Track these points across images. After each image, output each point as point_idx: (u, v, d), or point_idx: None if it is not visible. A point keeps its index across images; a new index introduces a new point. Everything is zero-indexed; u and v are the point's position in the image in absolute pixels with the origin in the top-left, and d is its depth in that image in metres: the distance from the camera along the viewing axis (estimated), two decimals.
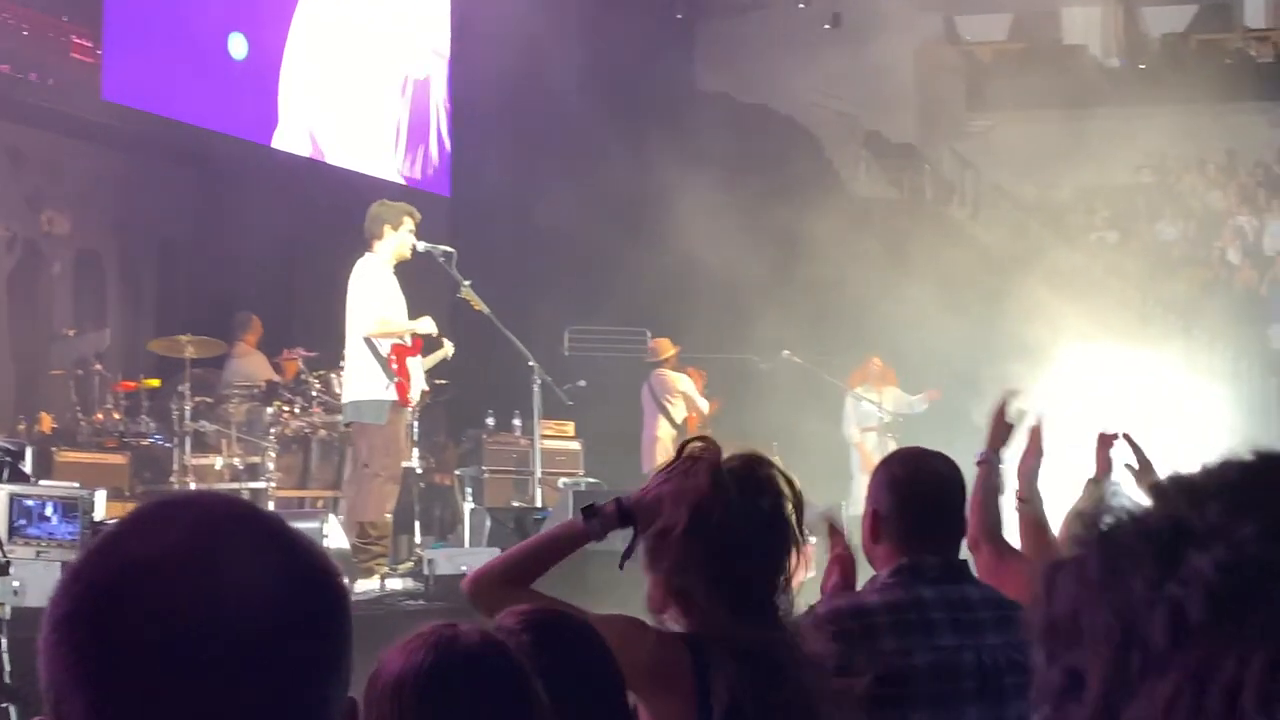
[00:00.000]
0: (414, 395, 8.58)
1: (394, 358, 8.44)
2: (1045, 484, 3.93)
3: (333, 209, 11.60)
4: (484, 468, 11.46)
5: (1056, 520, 3.92)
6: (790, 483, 2.69)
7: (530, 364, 9.44)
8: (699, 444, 2.69)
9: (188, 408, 9.83)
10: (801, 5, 19.55)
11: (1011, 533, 3.72)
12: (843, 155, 20.12)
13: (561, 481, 10.74)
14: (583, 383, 11.05)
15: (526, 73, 14.04)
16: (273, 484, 9.88)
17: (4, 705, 5.31)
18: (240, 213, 12.01)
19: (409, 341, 8.60)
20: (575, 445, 11.85)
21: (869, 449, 12.58)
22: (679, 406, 12.32)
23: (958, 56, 22.17)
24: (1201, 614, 0.76)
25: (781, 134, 18.89)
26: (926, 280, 13.71)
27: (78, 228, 12.42)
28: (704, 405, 12.39)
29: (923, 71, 21.42)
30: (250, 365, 11.21)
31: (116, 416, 10.19)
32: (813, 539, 2.84)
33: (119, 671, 1.07)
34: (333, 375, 10.02)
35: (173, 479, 9.77)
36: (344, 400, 8.99)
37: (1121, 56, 22.55)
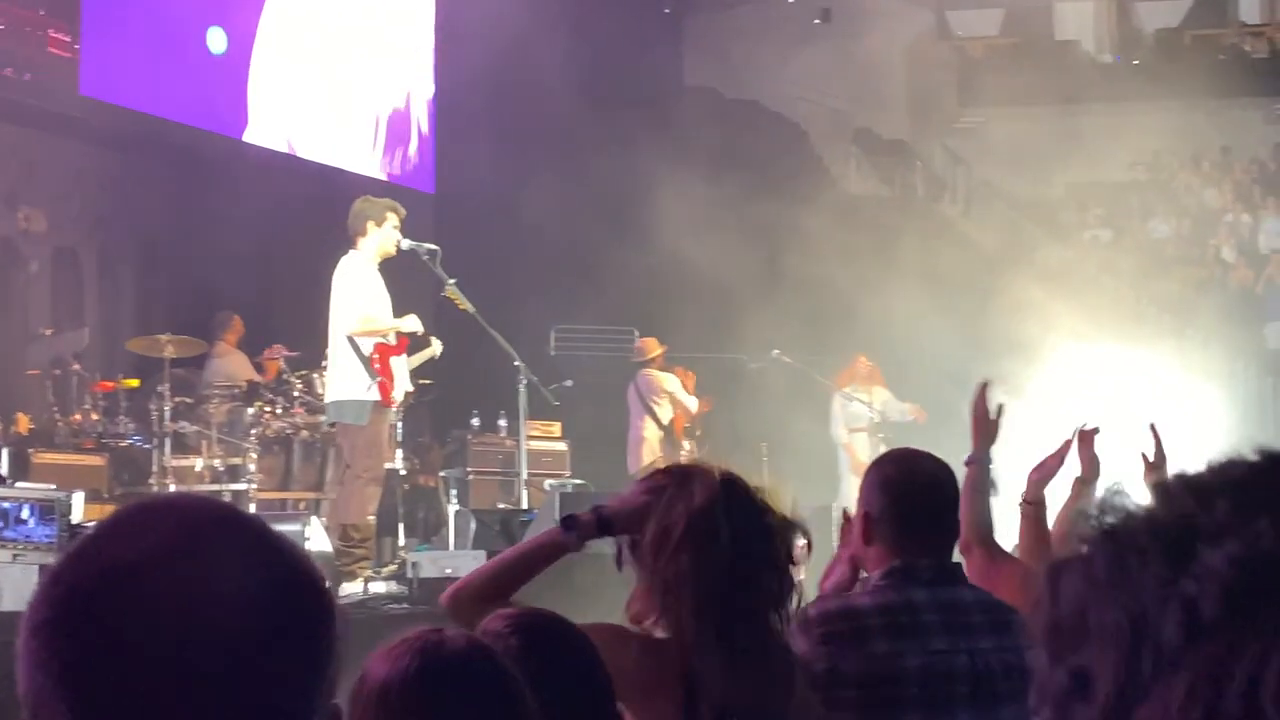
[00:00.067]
0: (397, 395, 8.55)
1: (377, 357, 8.41)
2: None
3: (315, 206, 11.58)
4: (469, 469, 11.45)
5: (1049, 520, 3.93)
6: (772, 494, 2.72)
7: (516, 364, 9.43)
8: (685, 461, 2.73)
9: (167, 408, 9.79)
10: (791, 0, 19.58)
11: (1004, 534, 3.72)
12: (832, 152, 20.15)
13: (548, 483, 10.73)
14: (569, 383, 11.05)
15: (512, 68, 14.03)
16: (254, 486, 9.85)
17: None
18: (221, 210, 11.98)
19: (393, 340, 8.57)
20: (562, 446, 11.85)
21: (858, 450, 12.58)
22: (665, 407, 12.33)
23: (949, 52, 22.22)
24: (1216, 610, 0.76)
25: (771, 130, 18.91)
26: (918, 278, 13.72)
27: (55, 225, 12.37)
28: (691, 404, 12.39)
29: (914, 67, 21.46)
30: (231, 365, 11.19)
31: (95, 417, 10.16)
32: (801, 541, 2.84)
33: (100, 677, 1.06)
34: (315, 375, 10.00)
35: (152, 481, 9.74)
36: (326, 400, 8.97)
37: (1115, 52, 22.62)
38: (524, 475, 9.90)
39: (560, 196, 13.67)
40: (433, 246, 8.90)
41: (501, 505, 10.73)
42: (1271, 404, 15.75)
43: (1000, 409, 3.74)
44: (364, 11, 14.70)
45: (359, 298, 8.43)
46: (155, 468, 9.79)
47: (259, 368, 11.22)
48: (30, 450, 9.55)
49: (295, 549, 1.18)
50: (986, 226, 18.64)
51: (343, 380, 8.49)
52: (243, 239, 11.84)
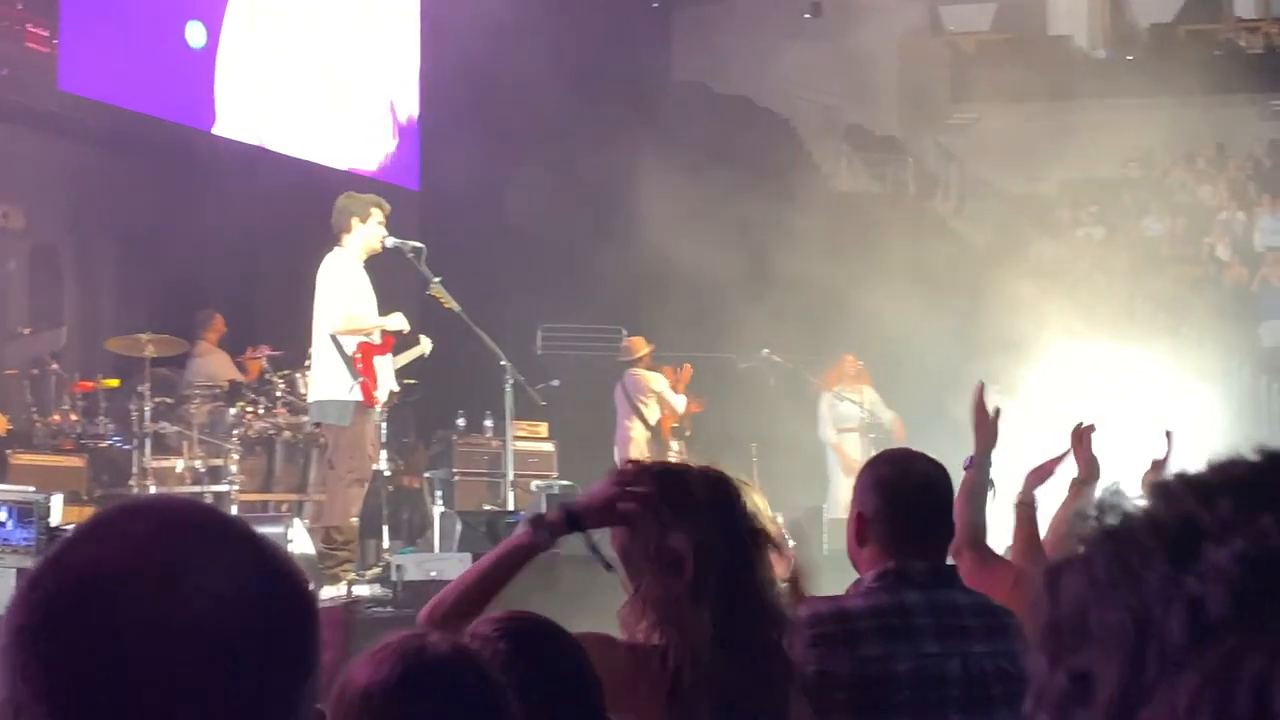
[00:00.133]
0: (381, 396, 8.52)
1: (359, 357, 8.38)
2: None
3: (299, 203, 11.55)
4: (454, 470, 11.44)
5: (1044, 521, 3.94)
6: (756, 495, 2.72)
7: (502, 363, 9.42)
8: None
9: (147, 408, 9.77)
10: None
11: (997, 535, 3.73)
12: (823, 148, 20.17)
13: (535, 484, 10.72)
14: (556, 382, 11.04)
15: (497, 62, 14.03)
16: (236, 487, 9.84)
17: None
18: (203, 207, 11.96)
19: (378, 339, 8.55)
20: (549, 447, 11.84)
21: (849, 450, 12.57)
22: (653, 407, 12.31)
23: (941, 47, 22.26)
24: (1222, 609, 0.75)
25: (760, 126, 18.93)
26: (909, 276, 13.74)
27: (33, 222, 12.33)
28: (678, 404, 12.37)
29: (905, 62, 21.49)
30: (212, 364, 11.17)
31: (74, 418, 10.13)
32: (792, 542, 2.84)
33: (81, 682, 1.06)
34: (298, 375, 9.98)
35: (132, 482, 9.72)
36: (309, 400, 8.96)
37: (1108, 47, 22.67)
38: (510, 476, 9.88)
39: (547, 193, 13.67)
40: (418, 244, 8.89)
41: (487, 507, 10.72)
42: (1267, 403, 15.79)
43: (998, 411, 3.75)
44: (347, 5, 14.68)
45: (343, 296, 8.41)
46: (135, 469, 9.77)
47: (241, 367, 11.20)
48: (8, 451, 9.52)
49: (278, 552, 1.18)
50: (979, 224, 18.68)
51: (325, 380, 8.47)
52: (225, 236, 11.82)
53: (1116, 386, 12.01)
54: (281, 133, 13.64)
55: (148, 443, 9.79)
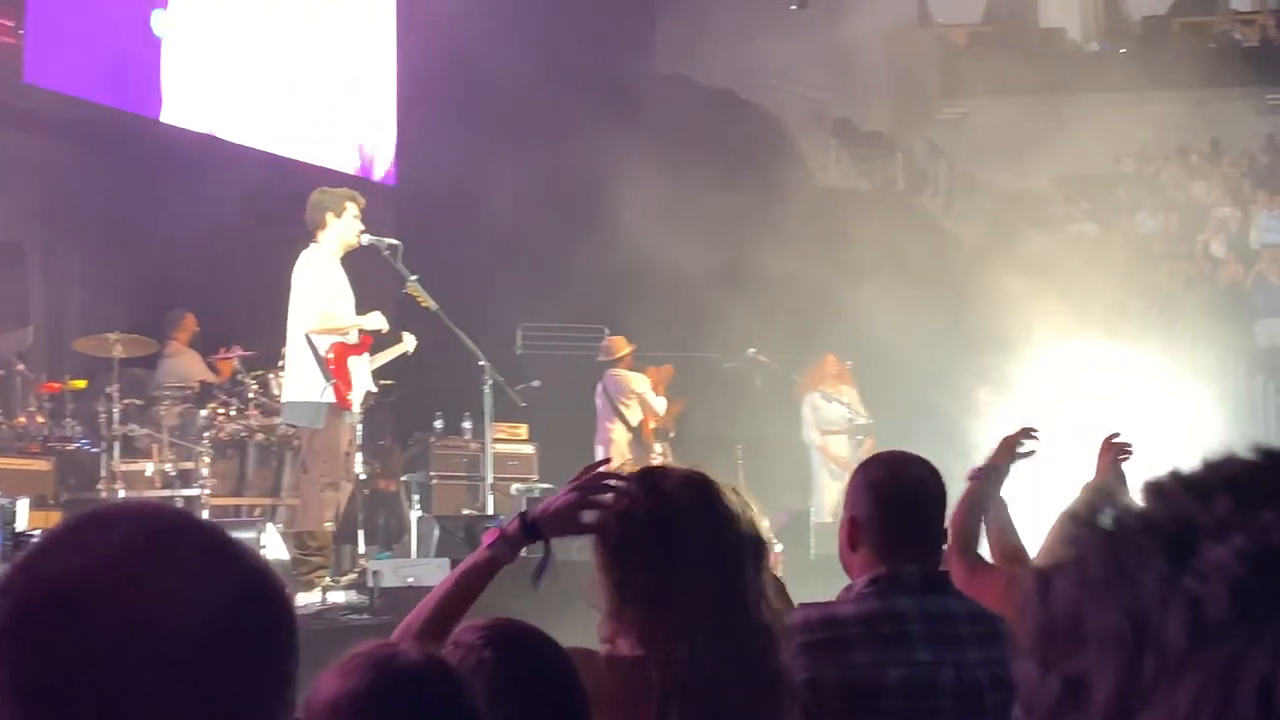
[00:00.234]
0: (355, 397, 8.49)
1: (332, 357, 8.34)
2: (1033, 485, 4.01)
3: (272, 199, 11.53)
4: (432, 473, 11.42)
5: (1046, 525, 3.96)
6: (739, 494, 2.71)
7: (481, 363, 9.41)
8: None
9: (116, 410, 9.74)
10: None
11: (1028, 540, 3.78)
12: (810, 143, 20.18)
13: (514, 487, 10.72)
14: (537, 383, 11.03)
15: (477, 56, 14.00)
16: (207, 491, 9.81)
17: None
18: (174, 203, 11.92)
19: (354, 339, 8.52)
20: (529, 449, 11.84)
21: (837, 452, 12.57)
22: (634, 408, 12.30)
23: (930, 40, 22.30)
24: (1223, 608, 0.75)
25: (746, 120, 18.92)
26: (899, 274, 13.76)
27: None
28: (659, 406, 12.37)
29: (894, 55, 21.53)
30: (183, 365, 11.14)
31: (40, 420, 10.08)
32: (779, 546, 2.84)
33: (54, 689, 1.06)
34: (271, 376, 9.96)
35: (100, 486, 9.68)
36: (282, 401, 8.93)
37: (1101, 40, 22.73)
38: (489, 479, 9.86)
39: (527, 189, 13.65)
40: (394, 241, 8.87)
41: (466, 511, 10.71)
42: (1261, 402, 15.85)
43: (1030, 452, 3.89)
44: None
45: (319, 293, 8.38)
46: (104, 472, 9.73)
47: (212, 368, 11.17)
48: None
49: (253, 556, 1.18)
50: (969, 220, 18.70)
51: (298, 381, 8.44)
52: (196, 233, 11.78)
53: (1109, 385, 12.05)
54: (256, 128, 13.59)
55: (116, 445, 9.76)
